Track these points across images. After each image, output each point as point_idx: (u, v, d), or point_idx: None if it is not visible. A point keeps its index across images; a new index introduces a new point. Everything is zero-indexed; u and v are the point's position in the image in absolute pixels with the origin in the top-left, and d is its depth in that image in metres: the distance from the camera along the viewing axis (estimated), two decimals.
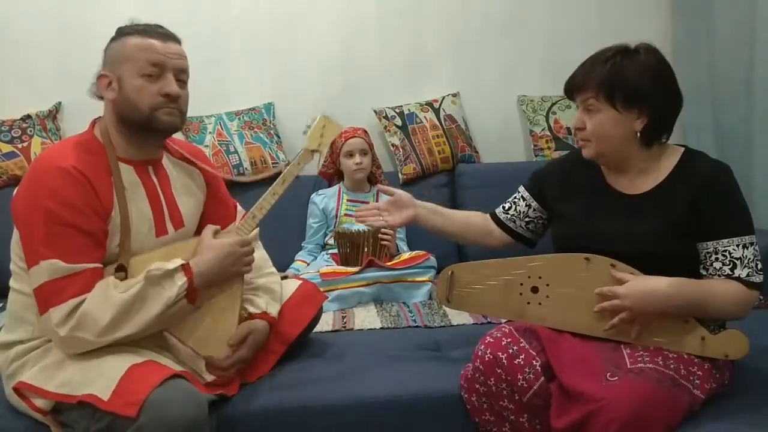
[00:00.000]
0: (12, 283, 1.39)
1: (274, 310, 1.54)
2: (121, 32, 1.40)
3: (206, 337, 1.41)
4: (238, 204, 1.66)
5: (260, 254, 1.62)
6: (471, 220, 1.68)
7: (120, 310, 1.27)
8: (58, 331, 1.25)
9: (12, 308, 1.39)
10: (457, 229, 1.66)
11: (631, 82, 1.35)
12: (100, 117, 1.44)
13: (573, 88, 1.43)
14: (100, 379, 1.23)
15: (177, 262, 1.34)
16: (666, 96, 1.37)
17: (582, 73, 1.41)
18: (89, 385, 1.23)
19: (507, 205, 1.65)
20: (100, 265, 1.32)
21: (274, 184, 1.46)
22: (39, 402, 1.30)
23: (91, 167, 1.32)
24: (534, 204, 1.60)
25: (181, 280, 1.32)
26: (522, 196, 1.62)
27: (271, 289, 1.58)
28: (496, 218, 1.66)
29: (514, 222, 1.63)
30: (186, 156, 1.54)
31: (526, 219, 1.61)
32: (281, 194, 1.47)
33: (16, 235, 1.34)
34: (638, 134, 1.38)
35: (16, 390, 1.32)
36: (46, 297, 1.27)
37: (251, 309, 1.51)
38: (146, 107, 1.35)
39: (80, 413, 1.24)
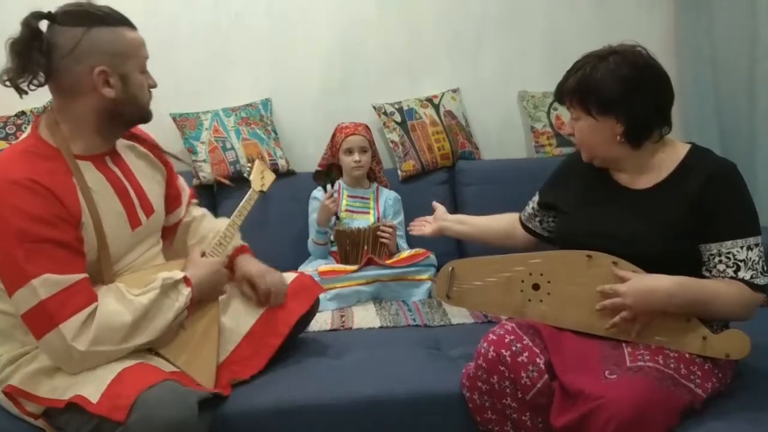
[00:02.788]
0: None
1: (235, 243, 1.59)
2: (95, 20, 1.27)
3: (192, 360, 1.39)
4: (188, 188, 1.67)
5: (210, 225, 1.63)
6: (491, 224, 1.76)
7: (140, 314, 1.25)
8: (76, 345, 1.18)
9: None
10: (476, 234, 1.77)
11: (601, 91, 1.35)
12: (41, 115, 1.34)
13: (556, 96, 1.46)
14: (90, 381, 1.21)
15: (180, 273, 1.36)
16: (641, 100, 1.35)
17: (561, 83, 1.43)
18: (79, 387, 1.21)
19: (527, 206, 1.69)
20: (87, 275, 1.26)
21: (233, 216, 1.61)
22: (30, 406, 1.27)
23: (48, 174, 1.22)
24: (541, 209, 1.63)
25: (185, 290, 1.35)
26: (534, 199, 1.65)
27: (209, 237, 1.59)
28: (520, 219, 1.70)
29: (531, 222, 1.66)
30: (137, 137, 1.49)
31: (538, 218, 1.64)
32: (240, 224, 1.62)
33: None
34: (620, 137, 1.37)
35: (6, 393, 1.28)
36: (48, 315, 1.18)
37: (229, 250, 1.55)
38: (145, 103, 1.36)
39: (70, 416, 1.22)
